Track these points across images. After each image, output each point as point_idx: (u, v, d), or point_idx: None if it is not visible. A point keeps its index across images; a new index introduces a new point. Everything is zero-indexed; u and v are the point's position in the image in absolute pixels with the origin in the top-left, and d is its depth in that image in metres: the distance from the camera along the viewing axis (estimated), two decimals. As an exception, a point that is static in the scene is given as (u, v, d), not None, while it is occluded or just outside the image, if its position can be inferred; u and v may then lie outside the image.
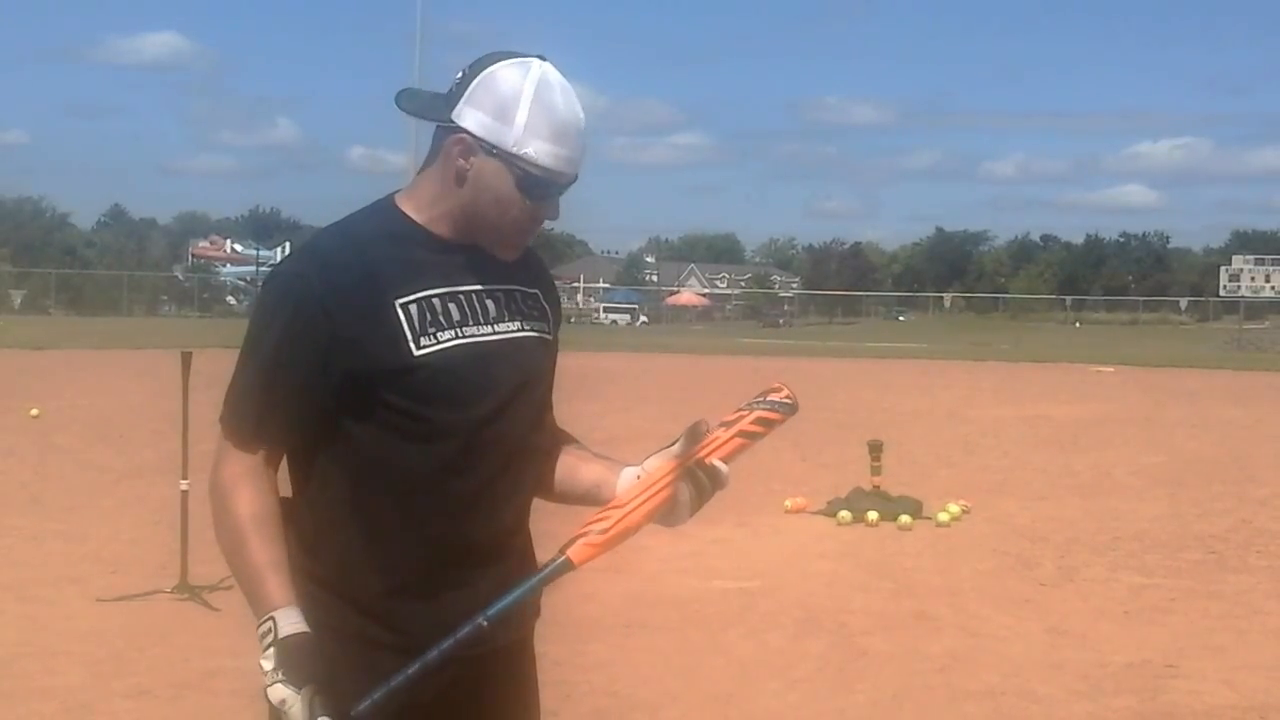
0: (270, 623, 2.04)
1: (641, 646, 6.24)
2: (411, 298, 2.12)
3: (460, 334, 2.14)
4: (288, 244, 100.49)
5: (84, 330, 39.13)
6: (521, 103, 2.09)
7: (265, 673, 2.02)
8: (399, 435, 2.12)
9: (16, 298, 59.23)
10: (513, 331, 2.22)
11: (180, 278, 77.55)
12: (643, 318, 79.10)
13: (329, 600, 2.14)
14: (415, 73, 37.20)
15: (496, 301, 2.21)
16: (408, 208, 2.21)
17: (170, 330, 40.46)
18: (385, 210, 2.22)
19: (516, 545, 2.28)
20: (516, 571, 2.22)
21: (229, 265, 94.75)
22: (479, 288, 2.19)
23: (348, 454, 2.14)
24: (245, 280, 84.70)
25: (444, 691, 2.18)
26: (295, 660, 2.01)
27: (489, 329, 2.18)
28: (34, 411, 15.35)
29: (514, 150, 2.09)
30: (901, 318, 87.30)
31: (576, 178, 2.18)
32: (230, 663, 5.73)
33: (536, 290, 2.30)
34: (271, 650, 2.02)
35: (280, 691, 1.99)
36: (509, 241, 2.19)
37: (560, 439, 2.39)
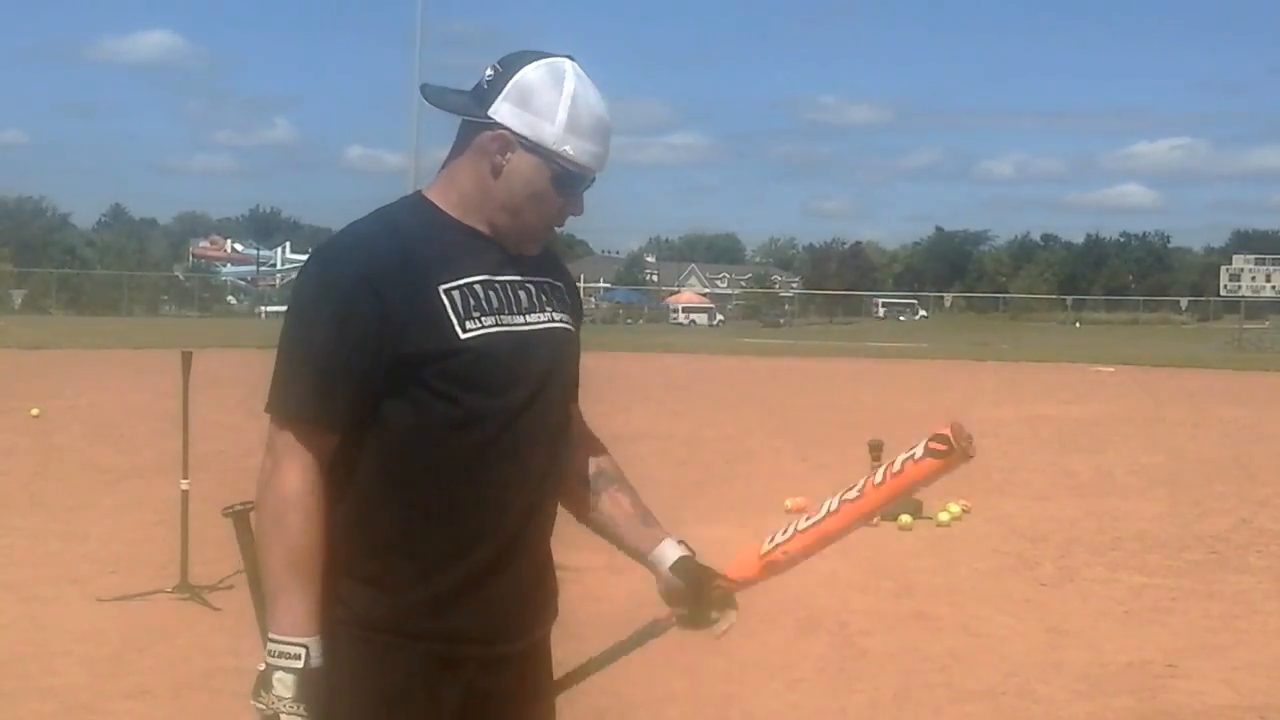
0: (302, 649, 2.06)
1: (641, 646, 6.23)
2: (454, 284, 2.15)
3: (500, 321, 2.18)
4: (288, 244, 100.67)
5: (84, 330, 39.12)
6: (563, 101, 2.15)
7: (280, 698, 2.03)
8: (437, 421, 2.13)
9: (16, 298, 59.23)
10: (544, 322, 2.25)
11: (180, 278, 77.49)
12: (922, 311, 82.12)
13: (367, 592, 2.14)
14: (414, 73, 37.06)
15: (529, 292, 2.25)
16: (438, 200, 2.23)
17: (170, 330, 40.45)
18: (417, 203, 2.26)
19: (550, 531, 2.31)
20: (547, 560, 2.31)
21: (229, 265, 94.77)
22: (514, 278, 2.23)
23: (387, 442, 2.14)
24: (245, 280, 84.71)
25: (461, 695, 2.19)
26: (316, 695, 2.05)
27: (522, 319, 2.22)
28: (34, 411, 15.34)
29: (554, 147, 2.15)
30: (902, 317, 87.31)
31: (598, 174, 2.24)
32: (230, 663, 5.73)
33: (561, 284, 2.35)
34: (293, 678, 2.04)
35: None
36: (535, 236, 2.24)
37: (588, 439, 2.43)
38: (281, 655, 2.05)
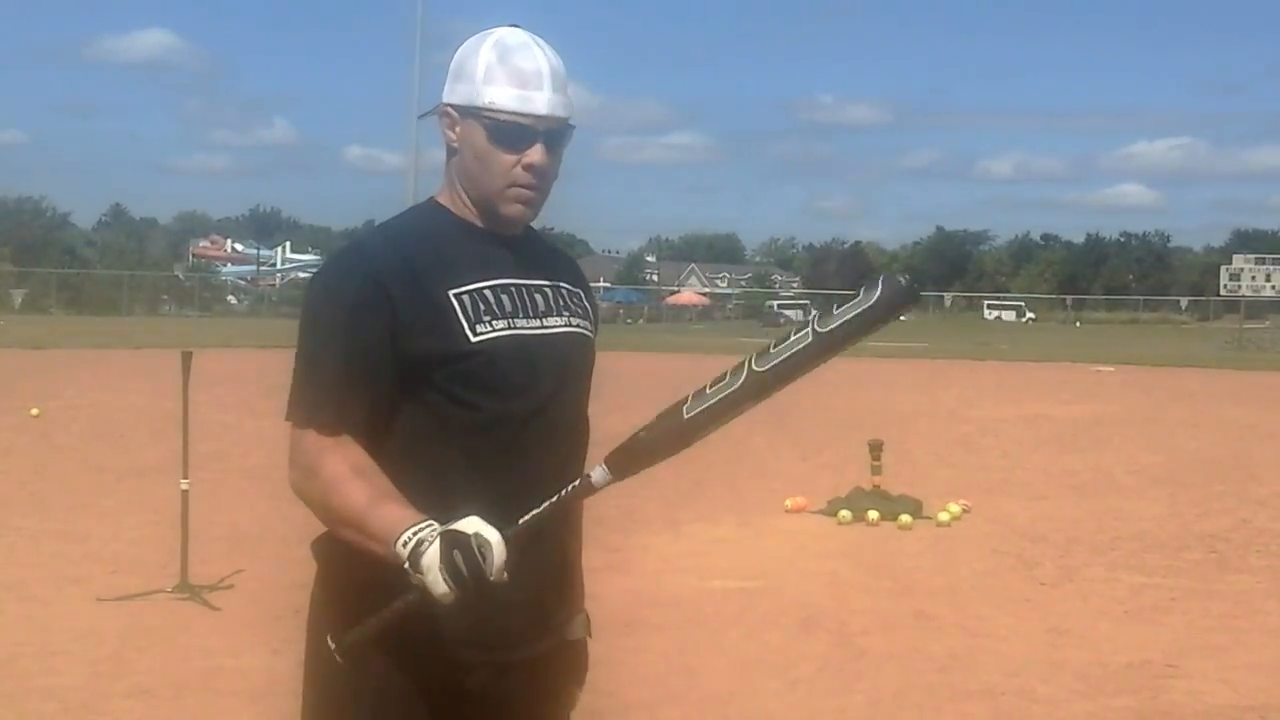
0: (429, 528, 1.96)
1: (641, 646, 6.23)
2: (464, 289, 2.15)
3: (512, 325, 2.18)
4: (288, 243, 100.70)
5: (84, 330, 39.10)
6: (479, 58, 2.18)
7: (428, 570, 1.92)
8: (452, 425, 2.13)
9: (17, 298, 59.12)
10: (560, 327, 2.26)
11: (180, 278, 77.43)
12: (1030, 314, 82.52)
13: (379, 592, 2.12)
14: (414, 73, 37.08)
15: (545, 296, 2.26)
16: (446, 203, 2.26)
17: (170, 330, 40.44)
18: (428, 210, 2.28)
19: (565, 535, 2.27)
20: (569, 563, 2.28)
21: (229, 265, 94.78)
22: (527, 282, 2.24)
23: (403, 447, 2.14)
24: (245, 280, 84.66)
25: (472, 699, 2.18)
26: (462, 550, 1.93)
27: (537, 322, 2.22)
28: (34, 411, 15.34)
29: (478, 103, 2.16)
30: (903, 317, 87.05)
31: (562, 122, 2.21)
32: (230, 662, 5.74)
33: (579, 290, 2.36)
34: (436, 537, 1.94)
35: (473, 524, 1.94)
36: (505, 197, 2.20)
37: None
38: (419, 544, 1.95)
